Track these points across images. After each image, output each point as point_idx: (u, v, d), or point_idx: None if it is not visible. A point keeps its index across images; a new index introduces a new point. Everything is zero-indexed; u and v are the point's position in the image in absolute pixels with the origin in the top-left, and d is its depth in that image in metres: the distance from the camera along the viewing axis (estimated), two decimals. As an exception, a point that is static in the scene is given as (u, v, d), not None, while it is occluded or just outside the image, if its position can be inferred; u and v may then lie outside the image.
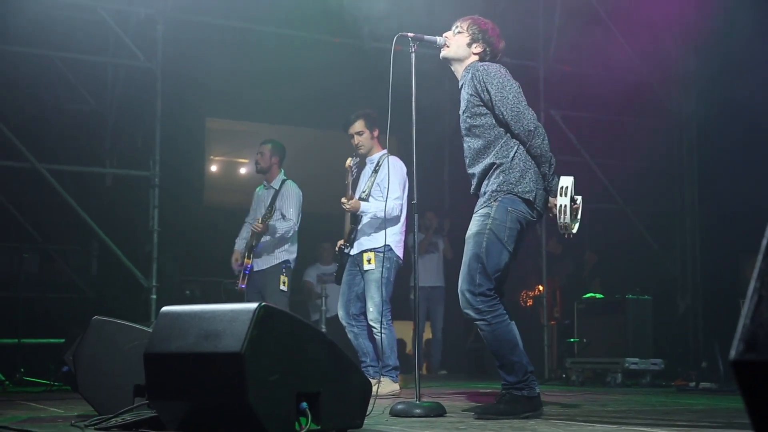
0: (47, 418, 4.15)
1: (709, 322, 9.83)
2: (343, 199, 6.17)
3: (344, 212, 6.38)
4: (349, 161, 6.22)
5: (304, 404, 3.11)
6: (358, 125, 6.41)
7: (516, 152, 4.22)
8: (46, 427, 3.60)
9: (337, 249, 6.45)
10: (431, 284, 10.22)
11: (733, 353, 1.55)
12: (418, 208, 4.44)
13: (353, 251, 6.32)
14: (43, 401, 5.48)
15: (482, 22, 4.46)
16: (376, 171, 6.35)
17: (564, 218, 4.12)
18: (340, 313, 6.33)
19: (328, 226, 8.70)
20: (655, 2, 9.58)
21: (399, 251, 6.26)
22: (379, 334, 6.01)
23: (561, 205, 4.13)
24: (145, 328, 3.85)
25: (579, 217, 4.23)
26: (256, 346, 2.97)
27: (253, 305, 3.06)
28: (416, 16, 7.15)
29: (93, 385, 3.94)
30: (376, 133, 6.44)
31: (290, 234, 6.99)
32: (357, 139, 6.42)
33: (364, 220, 6.25)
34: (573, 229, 4.17)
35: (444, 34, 4.46)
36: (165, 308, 3.34)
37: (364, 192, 6.33)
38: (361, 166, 6.51)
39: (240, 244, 7.27)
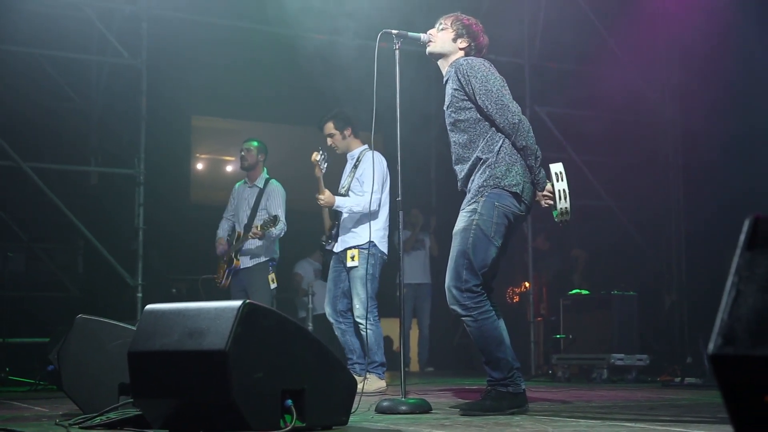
0: (32, 417, 4.14)
1: (694, 318, 9.86)
2: (318, 195, 6.17)
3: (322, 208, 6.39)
4: (315, 155, 6.19)
5: (289, 401, 3.12)
6: (327, 128, 6.44)
7: (501, 146, 4.22)
8: (31, 426, 3.59)
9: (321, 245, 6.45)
10: (418, 281, 10.24)
11: (711, 347, 1.56)
12: (403, 205, 4.45)
13: (337, 248, 6.31)
14: (28, 400, 5.47)
15: (465, 18, 4.50)
16: (355, 166, 6.36)
17: (565, 203, 4.12)
18: (327, 310, 6.32)
19: (315, 224, 8.69)
20: (641, 3, 9.63)
21: (383, 246, 6.25)
22: (366, 331, 6.01)
23: (560, 190, 4.13)
24: (129, 327, 3.84)
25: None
26: (240, 344, 2.97)
27: (238, 303, 3.06)
28: (401, 14, 7.15)
29: (78, 383, 3.94)
30: (348, 132, 6.43)
31: (282, 234, 7.01)
32: (330, 140, 6.47)
33: (344, 215, 6.26)
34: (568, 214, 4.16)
35: (428, 31, 4.48)
36: (149, 306, 3.34)
37: (343, 188, 6.33)
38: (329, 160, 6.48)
39: (222, 232, 7.26)
